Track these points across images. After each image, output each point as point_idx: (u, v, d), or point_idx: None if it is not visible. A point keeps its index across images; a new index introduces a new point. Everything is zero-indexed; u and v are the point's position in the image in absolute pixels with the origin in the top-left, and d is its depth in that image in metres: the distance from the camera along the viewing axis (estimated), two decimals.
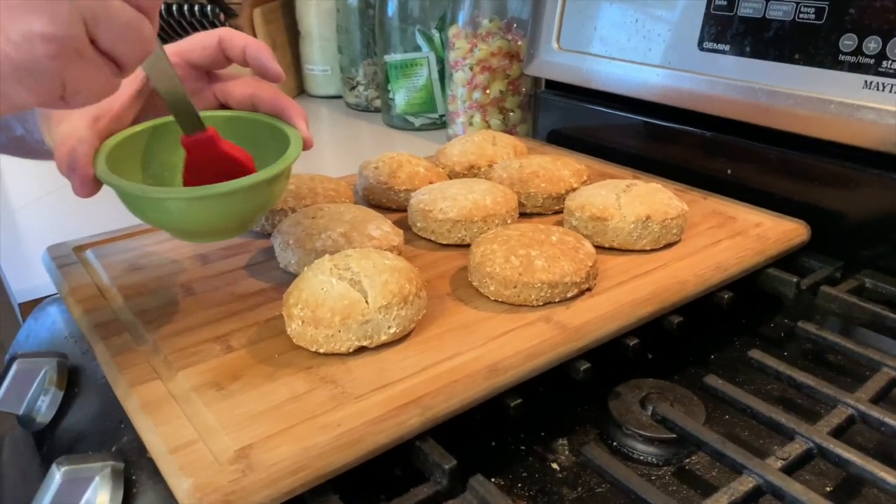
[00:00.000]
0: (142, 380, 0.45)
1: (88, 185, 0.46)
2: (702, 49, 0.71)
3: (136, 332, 0.50)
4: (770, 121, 0.66)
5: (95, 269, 0.59)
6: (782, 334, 0.63)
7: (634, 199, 0.59)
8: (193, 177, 0.50)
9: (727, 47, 0.68)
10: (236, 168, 0.49)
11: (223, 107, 0.55)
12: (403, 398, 0.42)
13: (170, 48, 0.50)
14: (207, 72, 0.54)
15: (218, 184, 0.45)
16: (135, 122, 0.51)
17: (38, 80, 0.34)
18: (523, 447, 0.50)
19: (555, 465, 0.48)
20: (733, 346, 0.61)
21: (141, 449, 0.43)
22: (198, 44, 0.52)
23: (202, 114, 0.49)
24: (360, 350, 0.47)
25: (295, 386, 0.44)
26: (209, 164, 0.49)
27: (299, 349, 0.47)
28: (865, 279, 0.62)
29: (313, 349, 0.46)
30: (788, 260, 0.64)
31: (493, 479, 0.46)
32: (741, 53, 0.67)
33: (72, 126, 0.46)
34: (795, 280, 0.60)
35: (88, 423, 0.50)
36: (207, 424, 0.41)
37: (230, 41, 0.52)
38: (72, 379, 0.54)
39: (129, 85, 0.50)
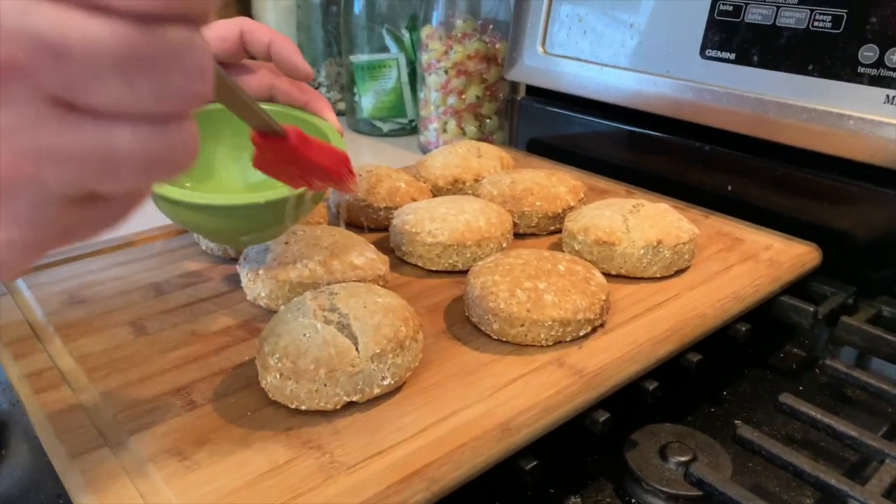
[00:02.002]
0: (85, 447, 0.37)
1: None
2: (704, 57, 0.66)
3: (77, 383, 0.42)
4: (779, 136, 0.61)
5: (27, 302, 0.51)
6: (794, 365, 0.59)
7: (643, 222, 0.54)
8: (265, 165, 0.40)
9: (732, 56, 0.64)
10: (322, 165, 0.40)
11: None
12: (404, 469, 0.36)
13: None
14: (222, 63, 0.49)
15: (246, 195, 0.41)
16: None
17: (22, 268, 0.22)
18: None
19: None
20: (745, 378, 0.57)
21: None
22: (216, 35, 0.47)
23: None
24: (348, 406, 0.40)
25: (274, 454, 0.37)
26: (288, 163, 0.40)
27: (276, 405, 0.40)
28: (882, 307, 0.58)
29: (293, 406, 0.39)
30: (797, 284, 0.60)
31: None
32: (748, 63, 0.63)
33: None
34: (812, 309, 0.56)
35: (19, 494, 0.42)
36: None
37: (252, 34, 0.47)
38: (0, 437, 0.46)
39: None
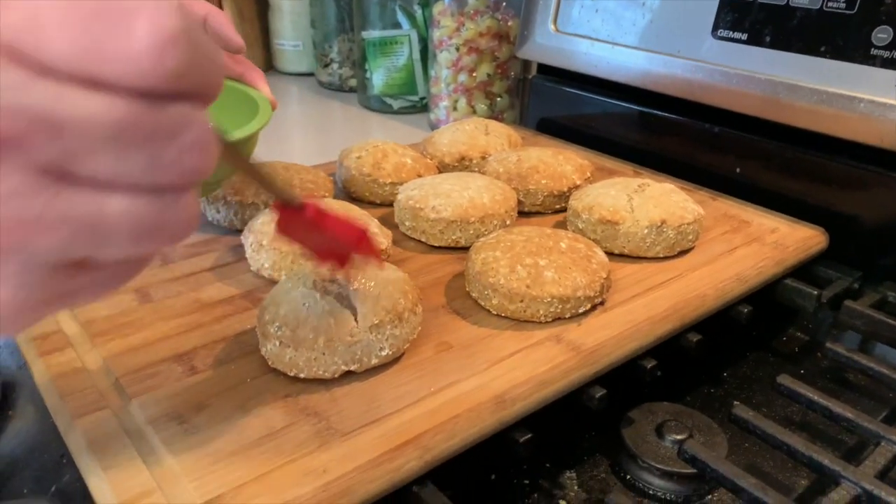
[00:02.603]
0: (88, 409, 0.38)
1: None
2: (716, 37, 0.65)
3: (81, 347, 0.43)
4: (790, 118, 0.61)
5: None
6: (797, 349, 0.59)
7: (648, 202, 0.54)
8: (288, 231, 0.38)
9: (744, 36, 0.63)
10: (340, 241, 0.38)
11: None
12: (399, 437, 0.36)
13: None
14: None
15: None
16: None
17: (22, 325, 0.22)
18: (527, 481, 0.44)
19: (563, 503, 0.43)
20: (746, 361, 0.57)
21: (86, 492, 0.36)
22: None
23: None
24: (346, 375, 0.41)
25: (271, 419, 0.37)
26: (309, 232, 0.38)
27: (275, 372, 0.41)
28: (888, 292, 0.58)
29: (292, 374, 0.40)
30: (803, 268, 0.60)
31: None
32: (760, 43, 0.62)
33: None
34: (816, 293, 0.55)
35: (24, 453, 0.43)
36: (167, 469, 0.34)
37: (189, 9, 0.47)
38: (6, 396, 0.47)
39: None
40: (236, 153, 0.30)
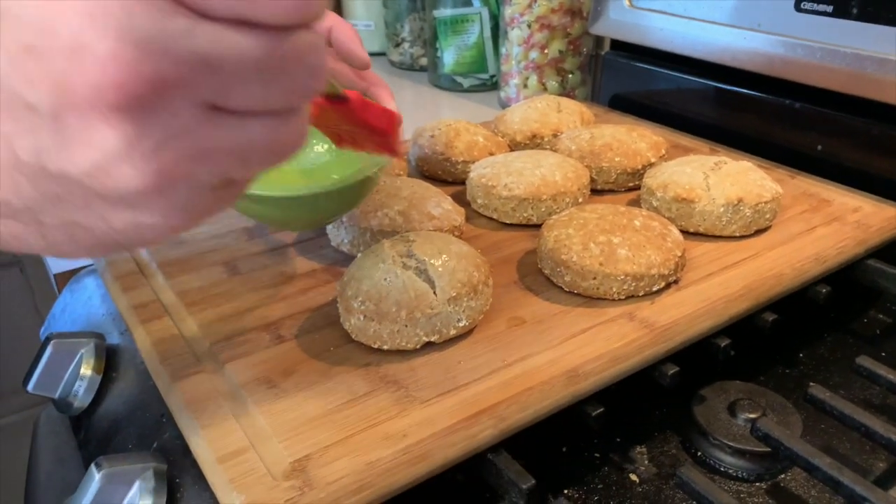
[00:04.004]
0: (185, 372, 0.41)
1: None
2: (799, 10, 0.63)
3: (177, 315, 0.46)
4: (877, 93, 0.59)
5: None
6: (878, 331, 0.57)
7: (724, 180, 0.53)
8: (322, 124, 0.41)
9: (829, 8, 0.61)
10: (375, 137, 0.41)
11: None
12: (475, 406, 0.38)
13: None
14: None
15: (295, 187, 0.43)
16: None
17: (151, 244, 0.26)
18: (597, 454, 0.45)
19: (633, 477, 0.44)
20: (823, 342, 0.56)
21: (185, 449, 0.39)
22: None
23: None
24: (424, 346, 0.42)
25: (354, 386, 0.40)
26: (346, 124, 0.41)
27: (355, 343, 0.43)
28: None
29: (376, 346, 0.42)
30: (887, 249, 0.58)
31: (566, 491, 0.42)
32: (846, 15, 0.60)
33: None
34: None
35: (127, 412, 0.46)
36: (259, 429, 0.37)
37: None
38: (109, 361, 0.50)
39: None
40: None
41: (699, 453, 0.44)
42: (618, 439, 0.46)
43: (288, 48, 0.21)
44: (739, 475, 0.43)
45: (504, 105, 0.99)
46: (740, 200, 0.52)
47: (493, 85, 1.10)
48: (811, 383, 0.44)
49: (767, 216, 0.54)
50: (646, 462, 0.44)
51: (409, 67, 1.24)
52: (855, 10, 0.59)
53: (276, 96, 0.22)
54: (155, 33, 0.18)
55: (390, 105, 0.52)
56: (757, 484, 0.42)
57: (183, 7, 0.19)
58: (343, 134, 0.41)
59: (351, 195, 0.46)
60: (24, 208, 0.22)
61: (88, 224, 0.23)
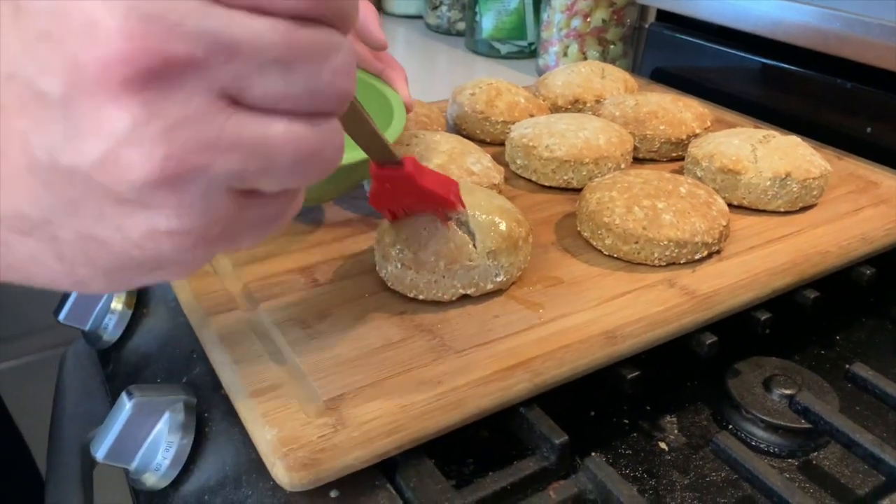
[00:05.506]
0: (220, 309, 0.41)
1: None
2: None
3: None
4: None
5: None
6: None
7: (773, 153, 0.52)
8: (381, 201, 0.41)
9: None
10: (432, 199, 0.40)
11: None
12: (510, 359, 0.37)
13: None
14: None
15: None
16: None
17: (172, 269, 0.23)
18: (626, 421, 0.44)
19: (663, 445, 0.43)
20: (862, 326, 0.54)
21: (214, 384, 0.39)
22: None
23: None
24: (460, 298, 0.42)
25: (388, 332, 0.39)
26: (404, 194, 0.40)
27: (390, 291, 0.42)
28: None
29: (411, 295, 0.41)
30: None
31: (593, 454, 0.42)
32: None
33: None
34: None
35: (157, 347, 0.46)
36: (292, 367, 0.36)
37: None
38: (140, 297, 0.50)
39: None
40: (356, 110, 0.30)
41: (730, 426, 0.44)
42: (648, 407, 0.45)
43: (307, 40, 0.20)
44: (772, 450, 0.42)
45: (541, 73, 0.98)
46: (788, 175, 0.51)
47: (531, 52, 1.08)
48: (854, 361, 0.43)
49: (814, 193, 0.53)
50: (675, 431, 0.44)
51: (446, 31, 1.22)
52: None
53: (299, 94, 0.20)
54: (166, 12, 0.18)
55: (402, 90, 0.51)
56: (789, 460, 0.42)
57: None
58: (397, 210, 0.41)
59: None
60: (41, 220, 0.21)
61: (104, 236, 0.21)
